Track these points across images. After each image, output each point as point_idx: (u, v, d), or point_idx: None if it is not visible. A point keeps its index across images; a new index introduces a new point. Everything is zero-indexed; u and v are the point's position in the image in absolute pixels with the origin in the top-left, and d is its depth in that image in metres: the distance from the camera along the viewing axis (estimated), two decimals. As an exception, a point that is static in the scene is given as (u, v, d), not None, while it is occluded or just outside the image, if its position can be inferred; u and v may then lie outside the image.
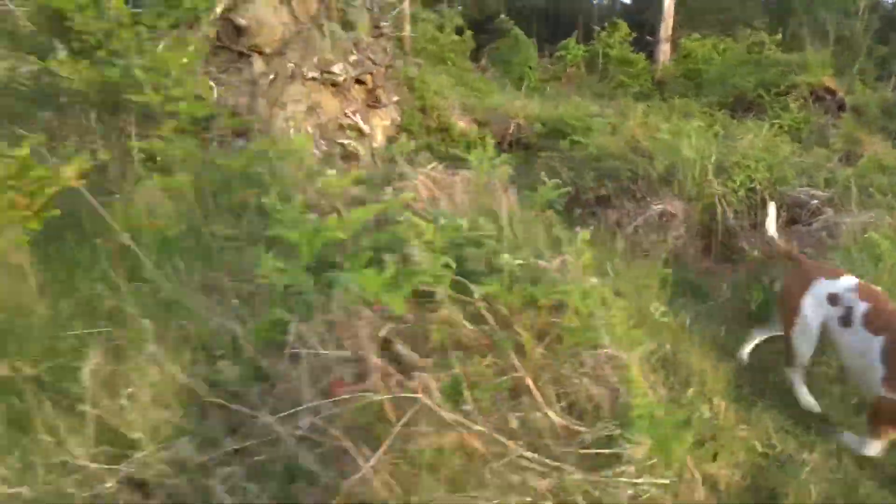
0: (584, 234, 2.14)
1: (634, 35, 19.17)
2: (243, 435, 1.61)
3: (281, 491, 1.52)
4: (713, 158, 5.30)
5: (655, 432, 1.59)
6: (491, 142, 3.58)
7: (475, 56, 21.61)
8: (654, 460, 1.58)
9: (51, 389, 1.81)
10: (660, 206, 5.37)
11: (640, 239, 4.78)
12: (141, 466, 1.55)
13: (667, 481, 1.55)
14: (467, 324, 1.78)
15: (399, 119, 8.57)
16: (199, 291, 2.28)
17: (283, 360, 1.73)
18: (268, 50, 6.24)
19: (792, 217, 5.04)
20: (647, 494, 1.52)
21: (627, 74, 15.69)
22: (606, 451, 1.56)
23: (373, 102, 7.87)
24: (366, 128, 7.55)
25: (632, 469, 1.52)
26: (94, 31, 3.64)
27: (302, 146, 3.99)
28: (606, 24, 21.62)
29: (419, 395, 1.45)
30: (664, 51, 15.40)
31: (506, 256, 1.86)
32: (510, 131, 9.48)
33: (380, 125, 8.13)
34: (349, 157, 7.06)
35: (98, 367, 1.65)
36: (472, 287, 1.80)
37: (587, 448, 1.57)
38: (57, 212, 2.60)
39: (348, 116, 7.33)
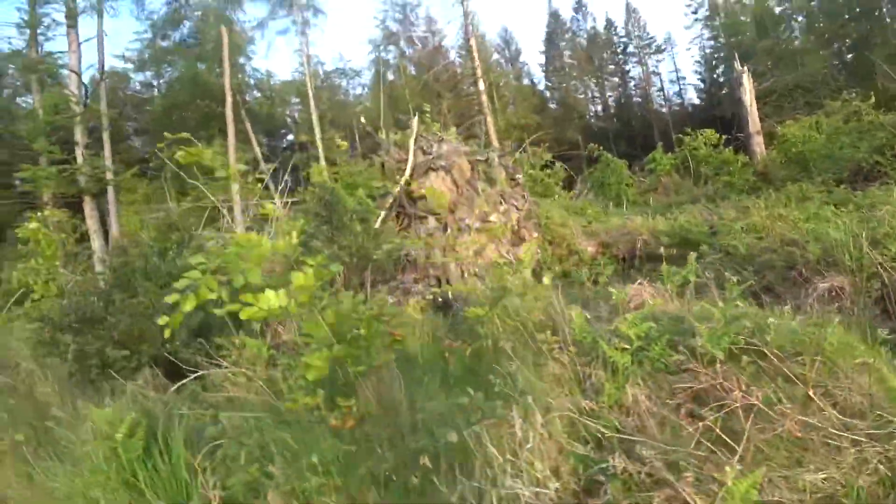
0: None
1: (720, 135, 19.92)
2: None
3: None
4: (864, 234, 5.67)
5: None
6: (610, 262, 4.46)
7: (568, 184, 23.52)
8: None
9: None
10: (826, 284, 5.72)
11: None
12: None
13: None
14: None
15: (538, 252, 9.74)
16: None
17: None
18: (440, 211, 7.82)
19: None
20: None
21: (728, 173, 16.16)
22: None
23: (517, 241, 9.14)
24: (513, 261, 8.73)
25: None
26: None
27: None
28: (689, 130, 22.84)
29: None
30: (758, 142, 15.98)
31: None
32: (638, 248, 10.18)
33: (525, 259, 9.33)
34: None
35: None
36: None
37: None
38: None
39: (503, 256, 8.59)
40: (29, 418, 3.73)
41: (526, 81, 50.80)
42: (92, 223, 16.43)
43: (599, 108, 53.53)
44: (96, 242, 15.52)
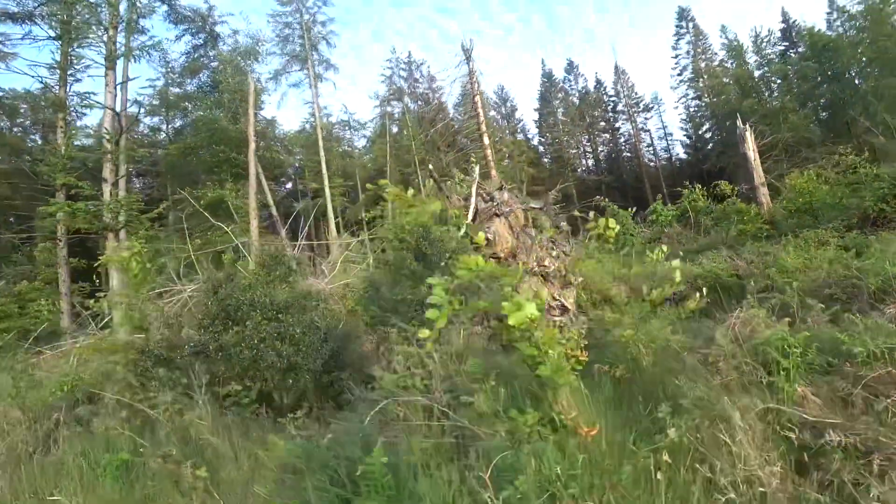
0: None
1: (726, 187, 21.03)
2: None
3: None
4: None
5: None
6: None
7: (572, 233, 24.35)
8: None
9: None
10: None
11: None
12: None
13: None
14: None
15: (576, 295, 10.14)
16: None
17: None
18: (501, 255, 8.22)
19: None
20: None
21: (735, 222, 16.99)
22: None
23: (566, 284, 9.53)
24: (567, 304, 9.10)
25: None
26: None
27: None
28: (687, 184, 24.52)
29: None
30: (764, 193, 16.93)
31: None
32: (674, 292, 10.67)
33: (569, 301, 9.72)
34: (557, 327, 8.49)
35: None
36: None
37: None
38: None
39: (556, 298, 8.95)
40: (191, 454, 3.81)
41: (520, 136, 53.01)
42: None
43: (591, 161, 55.79)
44: (115, 279, 15.55)
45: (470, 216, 8.27)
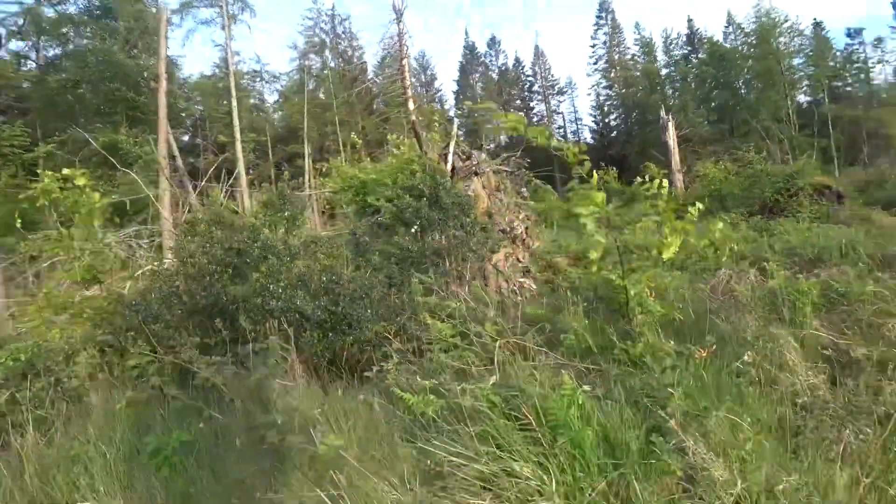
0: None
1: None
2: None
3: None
4: (843, 241, 7.29)
5: None
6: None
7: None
8: None
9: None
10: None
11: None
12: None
13: None
14: None
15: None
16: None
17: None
18: (479, 213, 8.10)
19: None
20: None
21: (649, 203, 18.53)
22: None
23: (526, 248, 9.69)
24: (532, 269, 9.27)
25: None
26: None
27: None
28: (604, 165, 26.43)
29: None
30: (679, 179, 18.54)
31: None
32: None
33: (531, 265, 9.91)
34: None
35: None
36: None
37: None
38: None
39: (520, 261, 9.07)
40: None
41: (437, 106, 52.63)
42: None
43: (504, 137, 57.09)
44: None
45: (448, 173, 8.02)
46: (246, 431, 2.59)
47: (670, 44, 43.49)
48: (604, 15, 47.95)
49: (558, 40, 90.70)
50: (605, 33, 47.77)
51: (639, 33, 45.61)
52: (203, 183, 19.05)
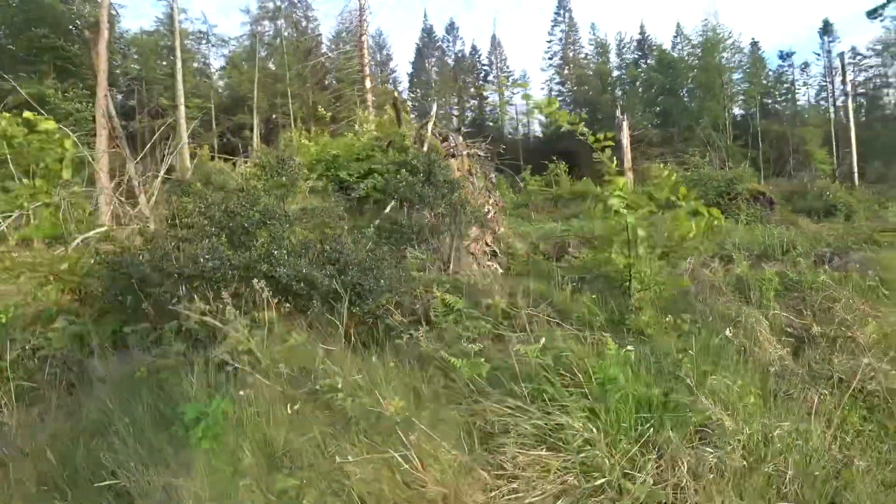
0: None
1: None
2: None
3: None
4: (784, 240, 7.98)
5: None
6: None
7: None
8: None
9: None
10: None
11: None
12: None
13: None
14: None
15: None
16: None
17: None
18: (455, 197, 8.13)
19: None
20: None
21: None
22: None
23: (495, 232, 9.84)
24: (498, 252, 9.44)
25: None
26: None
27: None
28: (555, 159, 27.55)
29: None
30: (629, 177, 19.40)
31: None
32: (566, 247, 11.82)
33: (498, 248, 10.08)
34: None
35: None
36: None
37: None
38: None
39: (489, 245, 9.22)
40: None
41: (390, 87, 51.82)
42: None
43: (454, 122, 57.17)
44: None
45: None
46: (303, 396, 2.47)
47: (623, 47, 45.11)
48: (561, 12, 48.89)
49: (515, 31, 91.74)
50: (561, 31, 48.75)
51: (594, 34, 46.96)
52: (146, 149, 17.78)
